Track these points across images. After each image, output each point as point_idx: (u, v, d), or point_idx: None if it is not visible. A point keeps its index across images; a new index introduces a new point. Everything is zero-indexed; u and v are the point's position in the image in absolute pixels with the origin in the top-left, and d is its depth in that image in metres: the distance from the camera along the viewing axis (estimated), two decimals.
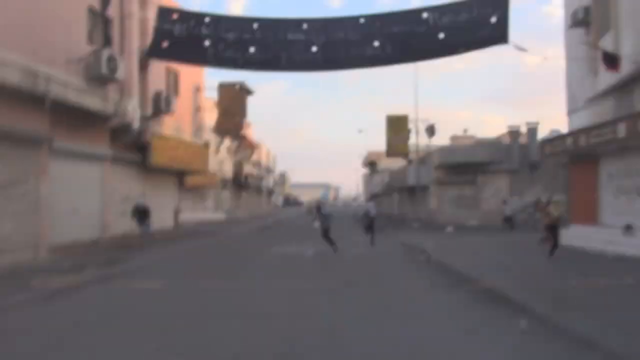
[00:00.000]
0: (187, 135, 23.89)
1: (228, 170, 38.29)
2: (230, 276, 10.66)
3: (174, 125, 22.05)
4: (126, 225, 16.99)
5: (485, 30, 8.59)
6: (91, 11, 14.94)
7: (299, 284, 9.51)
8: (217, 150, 32.30)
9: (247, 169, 45.43)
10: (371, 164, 65.16)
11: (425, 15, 8.78)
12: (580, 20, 15.90)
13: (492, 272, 10.16)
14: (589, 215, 16.58)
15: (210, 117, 28.12)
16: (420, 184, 31.23)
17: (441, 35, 8.70)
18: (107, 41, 15.35)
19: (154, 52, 10.05)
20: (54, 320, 6.79)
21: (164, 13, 9.78)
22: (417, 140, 32.29)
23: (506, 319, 6.61)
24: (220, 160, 34.56)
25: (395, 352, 5.20)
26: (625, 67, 13.33)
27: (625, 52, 13.23)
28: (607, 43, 14.30)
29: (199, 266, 12.67)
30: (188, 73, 23.28)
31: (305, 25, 9.18)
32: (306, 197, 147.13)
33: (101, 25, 15.21)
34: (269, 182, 70.85)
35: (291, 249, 16.20)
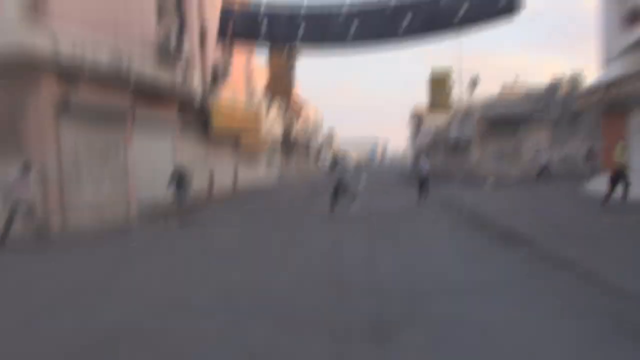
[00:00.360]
0: (241, 100, 26.02)
1: (278, 131, 40.49)
2: (288, 228, 12.84)
3: (230, 92, 24.19)
4: (201, 184, 19.51)
5: (497, 4, 9.88)
6: None
7: (345, 231, 11.55)
8: (267, 112, 34.39)
9: (296, 129, 47.49)
10: (418, 118, 65.57)
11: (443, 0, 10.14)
12: None
13: (515, 217, 11.75)
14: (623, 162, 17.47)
15: (261, 81, 30.08)
16: (462, 138, 32.21)
17: (460, 12, 10.04)
18: (175, 21, 17.33)
19: (221, 36, 11.93)
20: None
21: (228, 4, 11.62)
22: (461, 93, 32.96)
23: (509, 251, 8.34)
24: (271, 121, 36.72)
25: (408, 271, 7.13)
26: None
27: None
28: None
29: (262, 221, 14.97)
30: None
31: (345, 9, 10.78)
32: (355, 154, 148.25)
33: (168, 5, 17.20)
34: (317, 140, 72.86)
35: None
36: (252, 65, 28.04)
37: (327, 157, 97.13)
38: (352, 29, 10.53)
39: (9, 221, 10.39)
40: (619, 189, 12.37)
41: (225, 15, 11.36)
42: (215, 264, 8.17)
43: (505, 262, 7.55)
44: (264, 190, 26.89)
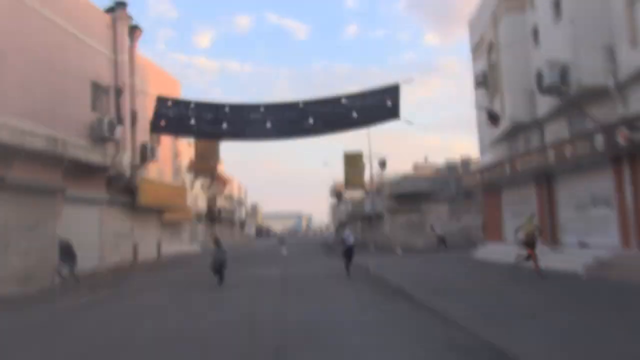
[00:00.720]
0: (167, 177, 27.37)
1: (202, 205, 41.60)
2: (213, 291, 14.15)
3: (157, 170, 25.56)
4: (118, 257, 20.28)
5: (384, 111, 12.72)
6: (94, 84, 18.62)
7: (265, 291, 13.13)
8: (192, 187, 35.73)
9: (220, 203, 48.77)
10: (337, 194, 69.18)
11: (343, 101, 12.89)
12: (480, 82, 20.42)
13: (407, 278, 13.99)
14: (496, 233, 20.83)
15: (187, 159, 31.72)
16: (375, 212, 35.29)
17: (354, 114, 12.78)
18: (110, 110, 18.99)
19: (154, 128, 13.75)
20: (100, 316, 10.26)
21: (161, 101, 13.58)
22: (372, 172, 36.46)
23: (394, 302, 10.39)
24: (195, 196, 37.93)
25: (312, 317, 8.92)
26: (505, 123, 17.86)
27: (507, 112, 17.73)
28: (497, 103, 18.84)
29: (185, 285, 16.10)
30: None
31: (262, 109, 13.16)
32: (279, 227, 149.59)
33: (102, 95, 18.86)
34: (242, 214, 74.02)
35: (261, 272, 19.75)
36: (179, 146, 29.76)
37: (251, 230, 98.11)
38: (268, 124, 12.87)
39: None
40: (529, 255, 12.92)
41: (158, 110, 13.26)
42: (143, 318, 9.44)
43: (386, 310, 9.56)
44: (186, 259, 27.64)
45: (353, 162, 34.76)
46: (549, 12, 14.48)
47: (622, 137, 10.89)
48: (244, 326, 8.18)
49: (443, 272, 15.84)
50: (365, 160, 35.00)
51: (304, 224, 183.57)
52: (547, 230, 15.99)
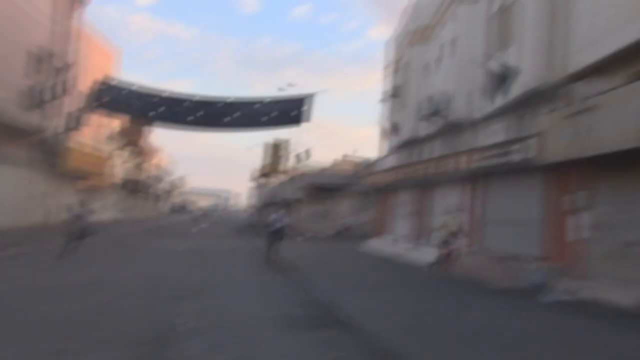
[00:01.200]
0: (90, 145, 28.23)
1: (121, 175, 42.14)
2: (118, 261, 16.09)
3: (83, 137, 26.44)
4: (38, 217, 21.38)
5: (286, 119, 15.39)
6: (28, 52, 19.51)
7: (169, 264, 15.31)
8: (113, 156, 36.41)
9: (139, 174, 49.22)
10: (258, 177, 71.27)
11: (256, 106, 15.35)
12: (393, 95, 23.54)
13: (301, 259, 16.73)
14: (382, 229, 24.31)
15: (113, 127, 32.51)
16: (289, 199, 38.07)
17: (264, 118, 15.30)
18: (41, 77, 19.96)
19: (91, 106, 15.38)
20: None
21: (101, 83, 15.26)
22: (293, 161, 39.13)
23: (271, 274, 13.05)
24: (116, 165, 38.55)
25: (205, 281, 11.36)
26: (403, 136, 21.14)
27: (404, 127, 20.99)
28: (400, 116, 22.09)
29: (94, 253, 17.83)
30: None
31: (194, 99, 15.35)
32: (202, 204, 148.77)
33: (36, 63, 19.79)
34: (166, 185, 73.93)
35: (164, 246, 21.73)
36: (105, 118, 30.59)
37: (172, 202, 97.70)
38: (197, 115, 15.04)
39: None
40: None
41: (98, 90, 14.91)
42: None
43: (273, 279, 12.21)
44: (99, 227, 28.82)
45: (274, 150, 37.19)
46: (435, 53, 17.72)
47: (464, 163, 14.26)
48: (147, 282, 10.47)
49: (330, 257, 18.83)
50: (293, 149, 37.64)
51: (229, 202, 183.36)
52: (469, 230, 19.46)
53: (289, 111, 15.15)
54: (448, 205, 18.50)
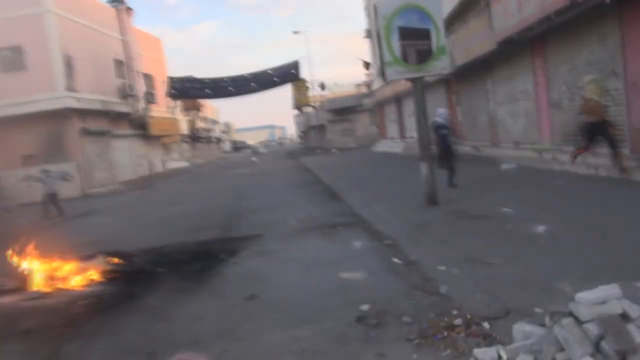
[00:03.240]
0: (162, 112, 37.97)
1: (184, 128, 52.24)
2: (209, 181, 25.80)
3: (158, 107, 36.13)
4: (141, 171, 31.72)
5: (291, 73, 23.97)
6: (114, 60, 28.80)
7: (241, 180, 24.82)
8: (177, 115, 46.17)
9: (198, 124, 59.26)
10: (298, 107, 79.77)
11: (269, 71, 23.99)
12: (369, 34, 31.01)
13: (326, 170, 25.78)
14: (384, 134, 32.82)
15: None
16: (319, 123, 46.80)
17: (275, 79, 23.95)
18: (128, 76, 29.38)
19: (169, 95, 24.65)
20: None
21: (172, 78, 24.36)
22: (315, 94, 47.30)
23: (313, 185, 22.18)
24: (181, 123, 48.47)
25: (265, 197, 20.70)
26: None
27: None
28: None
29: (193, 181, 27.71)
30: (160, 75, 37.04)
31: (228, 80, 24.26)
32: (254, 140, 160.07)
33: (119, 65, 29.13)
34: (216, 132, 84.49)
35: (235, 172, 31.44)
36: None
37: (227, 145, 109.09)
38: (231, 89, 24.02)
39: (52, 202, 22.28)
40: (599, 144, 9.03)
41: (171, 83, 24.09)
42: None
43: (308, 192, 21.34)
44: (182, 170, 39.29)
45: (299, 86, 45.43)
46: None
47: None
48: (228, 190, 19.98)
49: (349, 160, 27.70)
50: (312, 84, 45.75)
51: (277, 134, 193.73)
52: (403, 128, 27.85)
53: (289, 70, 23.82)
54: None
